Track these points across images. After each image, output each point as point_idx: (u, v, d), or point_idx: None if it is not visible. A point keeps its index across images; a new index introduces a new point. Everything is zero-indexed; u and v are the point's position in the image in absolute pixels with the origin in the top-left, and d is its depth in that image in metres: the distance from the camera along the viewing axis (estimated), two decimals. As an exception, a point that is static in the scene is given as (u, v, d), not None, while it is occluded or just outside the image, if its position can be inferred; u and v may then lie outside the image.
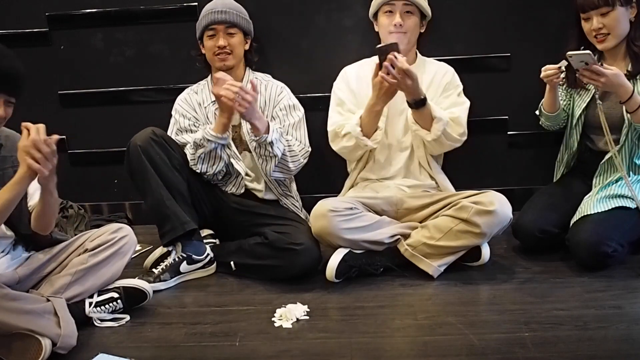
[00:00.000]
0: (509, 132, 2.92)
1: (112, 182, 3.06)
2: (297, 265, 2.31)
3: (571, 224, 2.36)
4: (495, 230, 2.29)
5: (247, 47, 2.59)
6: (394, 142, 2.52)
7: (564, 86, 2.52)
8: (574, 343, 1.84)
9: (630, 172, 2.41)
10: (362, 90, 2.48)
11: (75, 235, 2.27)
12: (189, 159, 2.45)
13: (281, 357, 1.87)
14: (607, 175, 2.44)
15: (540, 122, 2.63)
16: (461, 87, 2.53)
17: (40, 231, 2.03)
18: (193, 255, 2.39)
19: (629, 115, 2.30)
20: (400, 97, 2.40)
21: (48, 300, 1.90)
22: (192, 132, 2.55)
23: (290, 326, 2.03)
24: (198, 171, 2.45)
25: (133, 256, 2.24)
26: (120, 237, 2.11)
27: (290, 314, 2.07)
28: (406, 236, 2.37)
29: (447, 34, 2.79)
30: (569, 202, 2.45)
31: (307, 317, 2.08)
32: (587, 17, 2.34)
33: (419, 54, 2.58)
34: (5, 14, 2.87)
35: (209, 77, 2.65)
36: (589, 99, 2.45)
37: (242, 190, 2.55)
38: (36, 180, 1.85)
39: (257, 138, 2.37)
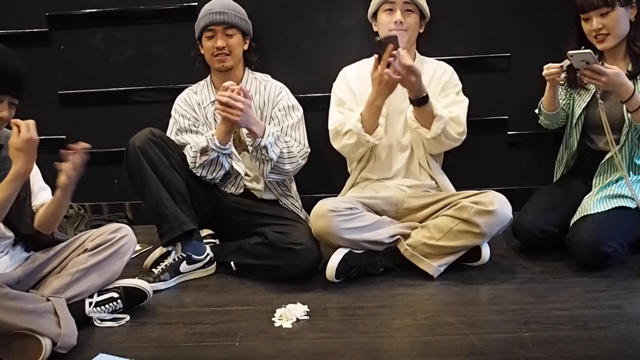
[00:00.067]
0: (509, 132, 2.92)
1: (112, 182, 3.06)
2: (297, 265, 2.31)
3: (571, 224, 2.36)
4: (495, 230, 2.29)
5: (246, 47, 2.59)
6: (394, 142, 2.52)
7: (564, 85, 2.52)
8: (574, 343, 1.84)
9: (630, 172, 2.41)
10: (362, 90, 2.48)
11: (75, 235, 2.27)
12: (189, 162, 2.45)
13: (281, 357, 1.87)
14: (607, 175, 2.44)
15: (539, 121, 2.63)
16: (460, 86, 2.53)
17: (45, 230, 2.04)
18: (193, 255, 2.39)
19: (629, 114, 2.30)
20: (399, 97, 2.40)
21: (48, 300, 1.90)
22: (191, 132, 2.55)
23: (290, 326, 2.03)
24: (198, 175, 2.45)
25: (133, 256, 2.25)
26: (120, 237, 2.11)
27: (290, 314, 2.07)
28: (406, 236, 2.37)
29: (447, 34, 2.80)
30: (569, 202, 2.45)
31: (307, 317, 2.08)
32: (586, 17, 2.34)
33: (417, 54, 2.57)
34: (5, 14, 2.88)
35: (209, 77, 2.65)
36: (589, 98, 2.45)
37: (241, 190, 2.55)
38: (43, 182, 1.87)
39: (252, 142, 2.37)
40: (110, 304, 2.09)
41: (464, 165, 2.72)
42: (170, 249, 2.40)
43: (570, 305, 2.07)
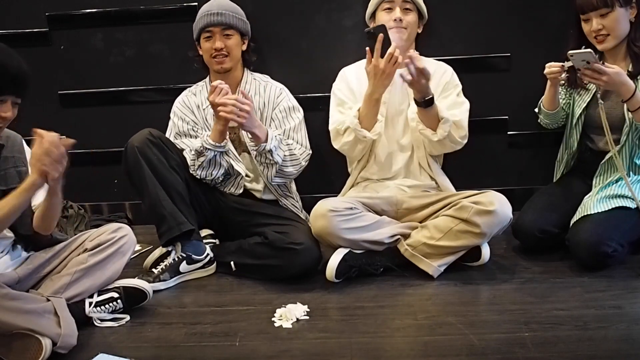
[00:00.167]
0: (509, 132, 2.92)
1: (112, 182, 3.06)
2: (297, 265, 2.31)
3: (571, 224, 2.36)
4: (495, 230, 2.29)
5: (244, 47, 2.59)
6: (394, 142, 2.52)
7: (565, 86, 2.52)
8: (574, 343, 1.84)
9: (631, 172, 2.41)
10: (362, 90, 2.47)
11: (75, 235, 2.26)
12: (188, 164, 2.45)
13: (281, 357, 1.87)
14: (607, 175, 2.44)
15: (539, 120, 2.63)
16: (460, 86, 2.53)
17: (43, 231, 2.03)
18: (193, 255, 2.39)
19: (630, 114, 2.29)
20: (399, 98, 2.40)
21: (48, 300, 1.90)
22: (190, 137, 2.55)
23: (290, 326, 2.03)
24: (198, 177, 2.45)
25: (133, 256, 2.25)
26: (119, 236, 2.11)
27: (290, 314, 2.07)
28: (406, 236, 2.37)
29: (447, 34, 2.80)
30: (569, 202, 2.45)
31: (307, 317, 2.08)
32: (586, 18, 2.34)
33: (417, 54, 2.58)
34: (5, 14, 2.88)
35: (207, 78, 2.65)
36: (589, 98, 2.45)
37: (241, 191, 2.55)
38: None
39: (257, 147, 2.37)
40: (110, 304, 2.09)
41: (464, 165, 2.72)
42: (170, 249, 2.40)
43: (570, 305, 2.07)
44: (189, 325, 2.07)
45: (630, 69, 2.33)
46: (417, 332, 1.97)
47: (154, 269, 2.37)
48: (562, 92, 2.54)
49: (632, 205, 2.33)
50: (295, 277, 2.31)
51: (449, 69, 2.56)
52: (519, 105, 2.83)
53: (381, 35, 2.20)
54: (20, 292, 1.90)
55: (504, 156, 2.95)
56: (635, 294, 2.12)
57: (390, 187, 2.49)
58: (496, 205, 2.25)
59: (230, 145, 2.47)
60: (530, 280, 2.27)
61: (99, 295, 2.08)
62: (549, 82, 2.42)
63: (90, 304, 2.06)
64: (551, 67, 2.33)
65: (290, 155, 2.46)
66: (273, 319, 2.07)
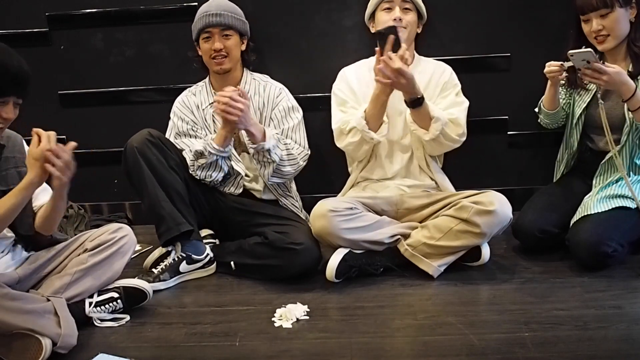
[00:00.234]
0: (509, 132, 2.92)
1: (112, 182, 3.06)
2: (297, 265, 2.31)
3: (571, 224, 2.36)
4: (495, 230, 2.29)
5: (243, 47, 2.58)
6: (394, 142, 2.51)
7: (565, 86, 2.52)
8: (574, 343, 1.84)
9: (631, 172, 2.41)
10: (362, 91, 2.48)
11: (75, 235, 2.27)
12: (188, 164, 2.45)
13: (281, 357, 1.87)
14: (608, 175, 2.44)
15: (539, 120, 2.63)
16: (459, 86, 2.53)
17: (44, 232, 2.04)
18: (193, 255, 2.39)
19: (630, 114, 2.29)
20: (399, 98, 2.40)
21: (48, 300, 1.90)
22: (190, 137, 2.54)
23: (290, 326, 2.03)
24: (197, 178, 2.45)
25: (133, 256, 2.24)
26: (120, 237, 2.11)
27: (290, 314, 2.07)
28: (406, 236, 2.37)
29: (447, 34, 2.80)
30: (569, 202, 2.45)
31: (307, 317, 2.08)
32: (586, 18, 2.33)
33: (416, 54, 2.57)
34: (5, 14, 2.87)
35: (207, 78, 2.65)
36: (589, 98, 2.45)
37: (240, 190, 2.55)
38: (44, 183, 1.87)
39: (255, 145, 2.37)
40: (110, 304, 2.09)
41: (464, 165, 2.72)
42: (170, 249, 2.40)
43: (570, 305, 2.07)
44: (189, 325, 2.07)
45: (630, 69, 2.33)
46: (417, 332, 1.97)
47: (154, 269, 2.37)
48: (562, 92, 2.54)
49: (632, 205, 2.33)
50: (295, 277, 2.31)
51: (447, 69, 2.56)
52: (519, 105, 2.83)
53: (391, 36, 2.20)
54: (21, 292, 1.91)
55: (504, 156, 2.95)
56: (635, 294, 2.12)
57: (390, 187, 2.49)
58: (496, 205, 2.25)
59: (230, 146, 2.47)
60: (530, 280, 2.27)
61: (99, 295, 2.08)
62: (549, 82, 2.42)
63: (90, 304, 2.06)
64: (551, 67, 2.33)
65: (288, 154, 2.46)
66: (273, 319, 2.07)
